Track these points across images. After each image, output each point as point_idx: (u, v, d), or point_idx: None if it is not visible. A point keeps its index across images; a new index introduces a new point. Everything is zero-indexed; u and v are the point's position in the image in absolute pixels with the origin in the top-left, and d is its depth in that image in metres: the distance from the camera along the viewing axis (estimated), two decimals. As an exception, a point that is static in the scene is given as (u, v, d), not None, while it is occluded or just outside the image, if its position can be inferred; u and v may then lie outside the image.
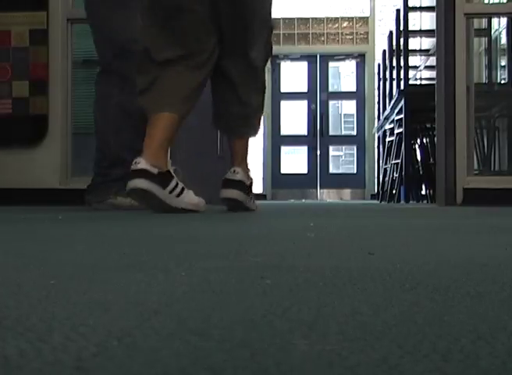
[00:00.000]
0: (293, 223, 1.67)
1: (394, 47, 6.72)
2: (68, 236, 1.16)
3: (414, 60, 7.45)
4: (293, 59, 11.30)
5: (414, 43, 7.13)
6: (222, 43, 2.17)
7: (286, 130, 10.59)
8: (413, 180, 6.67)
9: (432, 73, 4.40)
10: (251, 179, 2.43)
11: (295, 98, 11.07)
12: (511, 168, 4.89)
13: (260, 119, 2.40)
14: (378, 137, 8.25)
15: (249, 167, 2.43)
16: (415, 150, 6.77)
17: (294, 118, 10.68)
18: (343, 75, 10.67)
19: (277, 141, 10.47)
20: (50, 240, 1.07)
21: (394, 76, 6.73)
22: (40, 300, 0.45)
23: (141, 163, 1.96)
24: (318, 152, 10.15)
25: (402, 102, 5.99)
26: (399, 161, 6.55)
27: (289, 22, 11.37)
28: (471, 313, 0.41)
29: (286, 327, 0.37)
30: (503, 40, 5.58)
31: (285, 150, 10.49)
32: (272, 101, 11.00)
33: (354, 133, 10.17)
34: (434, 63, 4.27)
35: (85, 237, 1.12)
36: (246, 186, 2.34)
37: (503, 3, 5.22)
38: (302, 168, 10.34)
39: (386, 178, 7.35)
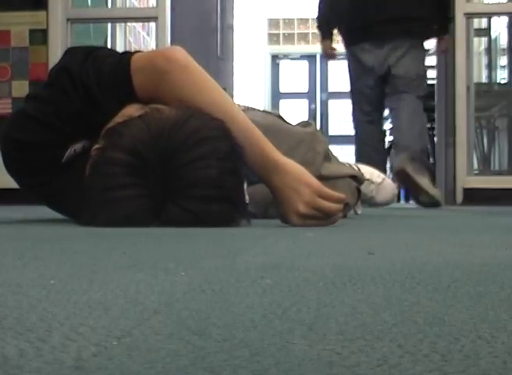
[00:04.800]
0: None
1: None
2: (68, 236, 1.16)
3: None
4: (292, 59, 11.30)
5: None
6: None
7: (286, 130, 10.58)
8: (413, 180, 6.65)
9: (432, 73, 4.42)
10: None
11: (295, 98, 11.08)
12: (511, 168, 4.90)
13: None
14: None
15: None
16: (415, 150, 6.76)
17: (294, 118, 10.69)
18: (343, 75, 10.69)
19: (277, 141, 10.46)
20: (50, 239, 1.07)
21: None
22: (40, 300, 0.45)
23: None
24: (318, 152, 10.14)
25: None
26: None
27: (289, 22, 11.37)
28: (471, 313, 0.41)
29: (285, 327, 0.37)
30: (503, 40, 5.59)
31: (285, 150, 10.49)
32: (272, 101, 11.00)
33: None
34: (434, 63, 4.27)
35: (85, 236, 1.12)
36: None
37: (503, 3, 5.22)
38: (302, 168, 10.33)
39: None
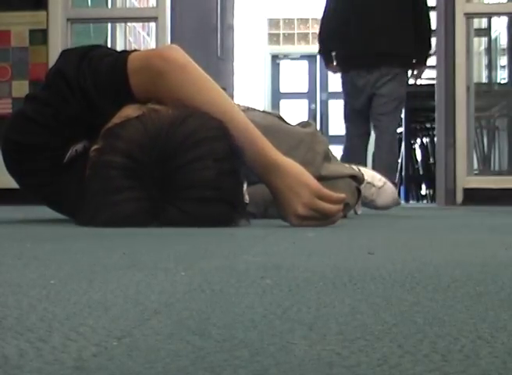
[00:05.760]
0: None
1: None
2: (68, 236, 1.16)
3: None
4: (292, 59, 11.30)
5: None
6: None
7: (286, 130, 10.55)
8: (413, 180, 6.68)
9: (432, 73, 4.41)
10: None
11: (295, 98, 11.07)
12: (511, 168, 4.90)
13: None
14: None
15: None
16: (415, 150, 6.78)
17: (294, 118, 10.67)
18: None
19: (277, 141, 10.43)
20: (50, 239, 1.07)
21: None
22: (40, 300, 0.45)
23: None
24: (318, 152, 10.11)
25: (402, 102, 5.97)
26: (399, 161, 6.55)
27: (289, 22, 11.37)
28: (471, 313, 0.41)
29: (285, 327, 0.37)
30: (503, 40, 5.58)
31: (285, 150, 10.46)
32: (272, 101, 10.99)
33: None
34: (434, 63, 4.27)
35: (85, 237, 1.12)
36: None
37: (503, 3, 5.22)
38: (302, 168, 10.30)
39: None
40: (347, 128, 4.14)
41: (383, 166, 3.83)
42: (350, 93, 4.02)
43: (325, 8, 4.09)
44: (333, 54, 4.11)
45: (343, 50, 3.96)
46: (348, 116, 4.10)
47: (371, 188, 2.31)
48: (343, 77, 4.08)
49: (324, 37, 4.11)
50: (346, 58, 3.96)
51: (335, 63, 4.13)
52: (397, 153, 4.46)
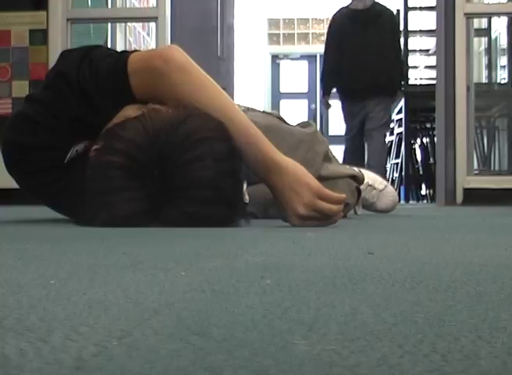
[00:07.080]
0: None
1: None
2: (68, 236, 1.16)
3: (414, 60, 7.45)
4: (293, 59, 11.30)
5: (415, 43, 7.14)
6: None
7: (286, 130, 10.56)
8: (413, 180, 6.68)
9: (432, 73, 4.41)
10: None
11: (295, 98, 11.07)
12: (511, 168, 4.90)
13: None
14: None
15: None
16: (415, 150, 6.78)
17: (294, 118, 10.67)
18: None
19: (277, 141, 10.43)
20: (50, 240, 1.07)
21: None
22: (40, 300, 0.45)
23: None
24: (318, 152, 10.11)
25: (402, 102, 5.99)
26: (399, 161, 6.56)
27: (289, 22, 11.37)
28: (471, 313, 0.41)
29: (285, 327, 0.37)
30: (503, 40, 5.58)
31: (285, 150, 10.46)
32: (272, 101, 11.00)
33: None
34: (434, 63, 4.28)
35: (85, 237, 1.12)
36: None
37: (503, 3, 5.22)
38: (302, 168, 10.30)
39: (386, 178, 7.37)
40: (347, 137, 5.03)
41: (376, 162, 4.64)
42: (348, 117, 4.97)
43: (325, 59, 5.00)
44: (333, 90, 4.98)
45: (342, 83, 4.87)
46: (347, 130, 5.02)
47: (372, 191, 2.31)
48: (342, 105, 4.97)
49: (325, 77, 4.99)
50: (345, 90, 4.86)
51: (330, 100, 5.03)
52: (386, 154, 5.43)
